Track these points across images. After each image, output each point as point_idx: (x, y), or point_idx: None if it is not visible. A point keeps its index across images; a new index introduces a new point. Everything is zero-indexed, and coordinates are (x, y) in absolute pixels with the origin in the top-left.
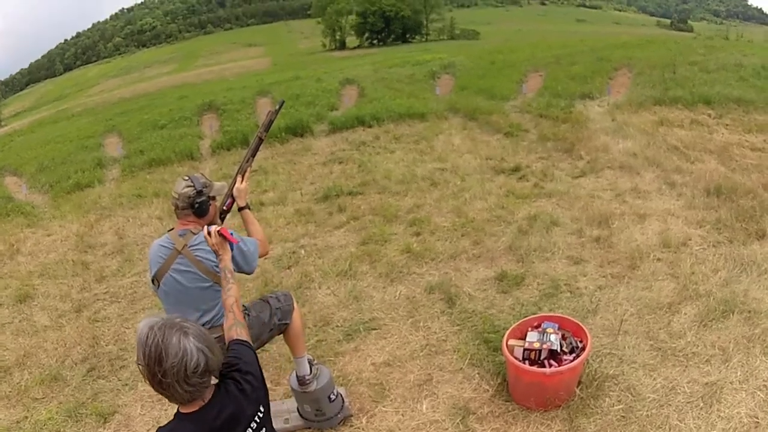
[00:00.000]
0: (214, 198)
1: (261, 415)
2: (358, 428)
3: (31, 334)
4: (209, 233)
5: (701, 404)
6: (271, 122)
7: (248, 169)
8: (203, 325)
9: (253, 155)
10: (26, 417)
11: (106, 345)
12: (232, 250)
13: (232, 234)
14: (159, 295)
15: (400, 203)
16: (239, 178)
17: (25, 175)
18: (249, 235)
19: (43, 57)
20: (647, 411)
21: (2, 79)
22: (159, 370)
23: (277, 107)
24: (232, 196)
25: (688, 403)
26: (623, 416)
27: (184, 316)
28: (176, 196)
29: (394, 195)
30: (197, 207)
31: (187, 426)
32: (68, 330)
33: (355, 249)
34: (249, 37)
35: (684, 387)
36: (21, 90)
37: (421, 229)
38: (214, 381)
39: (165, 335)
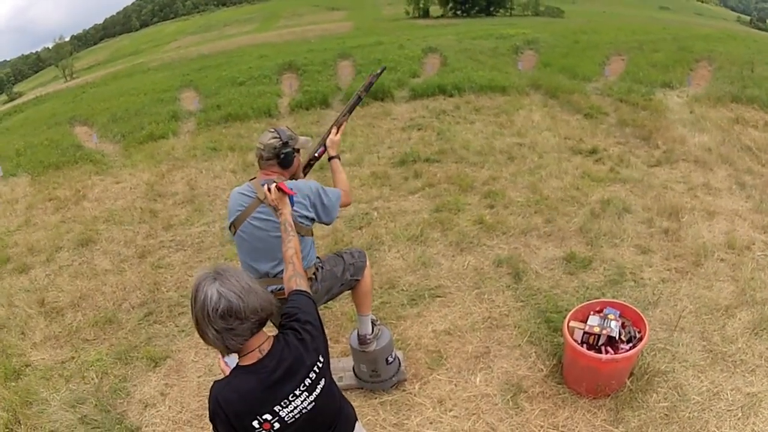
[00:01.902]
0: (298, 150)
1: (320, 365)
2: (410, 393)
3: (90, 277)
4: (268, 189)
5: (740, 414)
6: (371, 84)
7: (344, 122)
8: (277, 274)
9: (350, 111)
10: (73, 357)
11: (167, 291)
12: (291, 204)
13: (291, 188)
14: (235, 241)
15: (477, 174)
16: (334, 130)
17: (96, 125)
18: (334, 185)
19: (118, 13)
20: (689, 413)
21: (75, 33)
22: (191, 316)
23: (379, 71)
24: (324, 145)
25: (728, 411)
26: (666, 415)
27: (258, 264)
28: (261, 147)
29: (471, 166)
30: (282, 158)
31: (244, 378)
32: (129, 274)
33: (427, 215)
34: (332, 1)
35: (727, 394)
36: (95, 44)
37: (495, 201)
38: (271, 333)
39: (197, 282)
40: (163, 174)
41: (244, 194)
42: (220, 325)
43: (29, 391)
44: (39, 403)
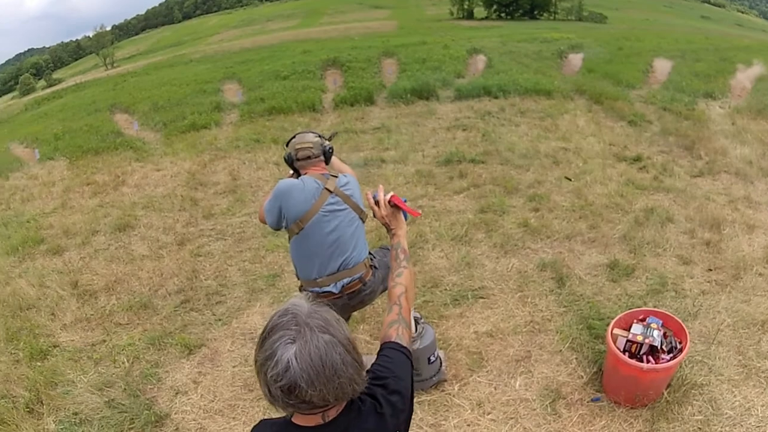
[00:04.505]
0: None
1: None
2: (449, 394)
3: (127, 261)
4: (376, 202)
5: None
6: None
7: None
8: (339, 268)
9: None
10: (104, 341)
11: (205, 279)
12: (405, 220)
13: (405, 201)
14: (299, 238)
15: (522, 177)
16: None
17: (138, 113)
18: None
19: (160, 4)
20: (721, 427)
21: (116, 23)
22: (255, 355)
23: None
24: None
25: (757, 427)
26: (700, 428)
27: (331, 258)
28: (310, 145)
29: (516, 168)
30: (328, 154)
31: None
32: (167, 261)
33: (472, 216)
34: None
35: (758, 410)
36: (135, 35)
37: (540, 205)
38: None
39: (271, 327)
40: (205, 163)
41: (311, 186)
42: (277, 393)
43: (55, 372)
44: (64, 384)
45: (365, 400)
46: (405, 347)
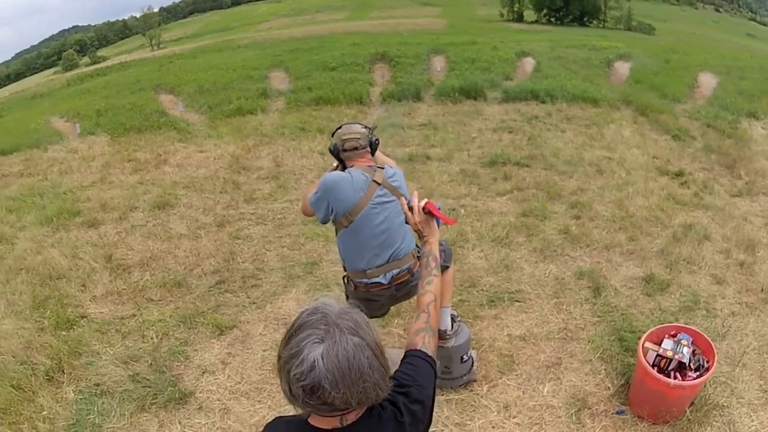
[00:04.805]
0: None
1: None
2: (477, 395)
3: (164, 239)
4: (410, 208)
5: None
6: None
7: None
8: (389, 260)
9: None
10: (134, 315)
11: (243, 262)
12: (438, 227)
13: (439, 209)
14: (347, 230)
15: (565, 183)
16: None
17: (183, 95)
18: None
19: None
20: None
21: (165, 5)
22: (278, 349)
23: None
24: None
25: None
26: None
27: (380, 249)
28: (358, 136)
29: (560, 174)
30: (374, 146)
31: None
32: (205, 241)
33: (514, 219)
34: None
35: None
36: (183, 18)
37: (582, 213)
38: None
39: (299, 325)
40: (249, 148)
41: (359, 178)
42: (298, 392)
43: (80, 342)
44: (89, 355)
45: (386, 407)
46: (430, 356)
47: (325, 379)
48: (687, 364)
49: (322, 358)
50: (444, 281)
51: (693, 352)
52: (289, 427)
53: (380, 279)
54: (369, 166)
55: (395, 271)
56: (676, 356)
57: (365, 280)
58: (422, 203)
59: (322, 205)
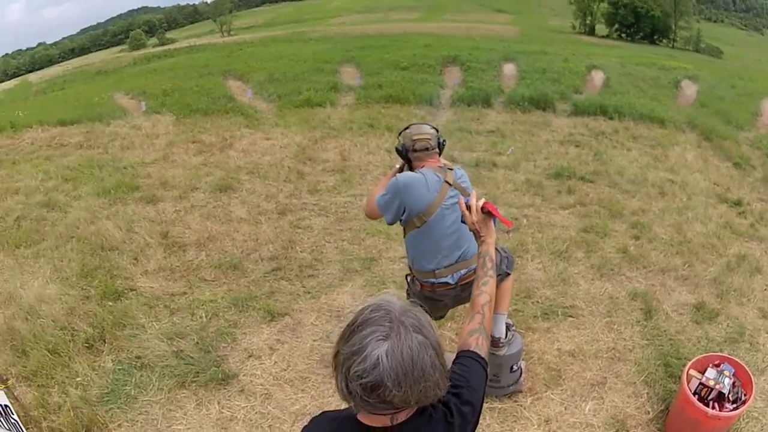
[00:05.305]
0: None
1: None
2: (521, 405)
3: (223, 221)
4: (468, 207)
5: None
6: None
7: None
8: (457, 260)
9: None
10: (185, 293)
11: (301, 251)
12: (495, 227)
13: (497, 209)
14: (419, 230)
15: (627, 202)
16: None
17: (252, 82)
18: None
19: None
20: None
21: None
22: (335, 344)
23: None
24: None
25: None
26: None
27: (450, 251)
28: (428, 137)
29: (623, 192)
30: (442, 147)
31: None
32: (264, 228)
33: (575, 233)
34: (498, 3)
35: None
36: (256, 6)
37: (641, 233)
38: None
39: (362, 321)
40: (317, 140)
41: (432, 179)
42: (356, 389)
43: (126, 314)
44: (133, 327)
45: (437, 408)
46: (483, 358)
47: (388, 377)
48: (726, 395)
49: (387, 356)
50: (503, 288)
51: (733, 383)
52: (336, 423)
53: (448, 279)
54: (440, 166)
55: (463, 272)
56: (717, 386)
57: (432, 280)
58: (480, 202)
59: (392, 205)
